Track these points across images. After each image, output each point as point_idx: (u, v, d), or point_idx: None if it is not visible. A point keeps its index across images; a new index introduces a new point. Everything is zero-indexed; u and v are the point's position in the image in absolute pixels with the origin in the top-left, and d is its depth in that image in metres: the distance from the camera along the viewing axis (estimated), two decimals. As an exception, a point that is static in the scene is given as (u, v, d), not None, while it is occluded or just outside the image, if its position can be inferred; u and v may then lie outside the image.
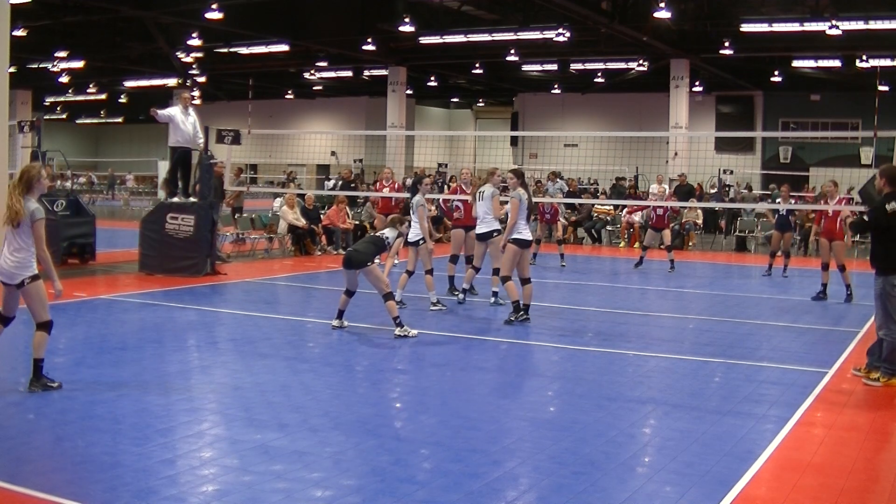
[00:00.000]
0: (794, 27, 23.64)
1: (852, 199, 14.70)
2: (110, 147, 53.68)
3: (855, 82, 29.92)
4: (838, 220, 13.03)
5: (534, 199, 11.71)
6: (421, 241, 11.28)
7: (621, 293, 14.07)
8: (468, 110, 48.93)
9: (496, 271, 11.14)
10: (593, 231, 22.84)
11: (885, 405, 7.37)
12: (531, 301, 10.54)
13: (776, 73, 30.79)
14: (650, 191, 24.89)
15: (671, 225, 21.17)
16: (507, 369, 8.52)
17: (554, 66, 31.92)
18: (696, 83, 31.94)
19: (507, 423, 6.43)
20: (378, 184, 17.46)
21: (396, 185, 17.45)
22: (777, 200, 17.81)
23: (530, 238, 10.52)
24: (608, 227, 23.19)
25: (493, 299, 11.69)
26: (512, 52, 27.68)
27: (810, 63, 28.77)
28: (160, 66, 32.61)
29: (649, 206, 17.48)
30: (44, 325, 6.73)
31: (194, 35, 26.10)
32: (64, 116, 48.31)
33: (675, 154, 27.99)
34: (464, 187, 12.99)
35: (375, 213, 17.24)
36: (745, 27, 23.86)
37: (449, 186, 23.27)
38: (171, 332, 9.65)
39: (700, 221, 22.38)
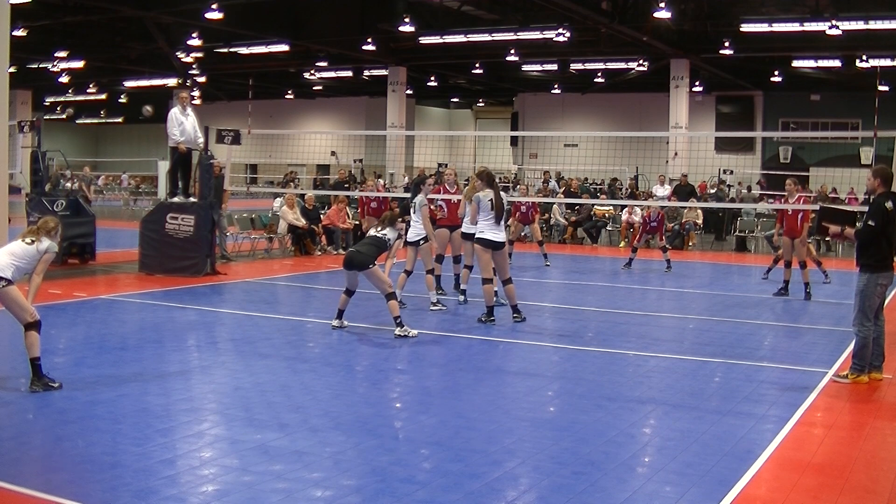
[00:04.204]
0: (794, 27, 23.66)
1: (811, 197, 14.80)
2: (110, 147, 53.68)
3: (855, 82, 29.93)
4: (798, 218, 13.15)
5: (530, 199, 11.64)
6: (422, 241, 11.29)
7: (621, 293, 14.07)
8: (468, 110, 48.95)
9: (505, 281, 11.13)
10: (592, 231, 22.84)
11: (886, 405, 7.37)
12: (517, 300, 10.53)
13: (776, 73, 30.81)
14: (655, 193, 24.89)
15: (671, 226, 21.21)
16: (507, 369, 8.52)
17: (554, 66, 31.94)
18: (696, 83, 31.95)
19: (507, 423, 6.43)
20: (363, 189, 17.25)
21: (379, 188, 17.37)
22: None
23: (498, 239, 10.36)
24: (608, 228, 23.20)
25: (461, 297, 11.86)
26: (512, 52, 27.69)
27: (810, 63, 28.78)
28: (160, 66, 32.61)
29: (648, 214, 17.40)
30: (31, 326, 6.71)
31: (194, 35, 26.11)
32: (64, 116, 48.30)
33: (675, 154, 28.01)
34: (447, 187, 12.94)
35: (364, 219, 16.94)
36: (745, 27, 23.87)
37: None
38: (171, 332, 9.64)
39: (700, 221, 22.39)
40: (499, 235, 10.37)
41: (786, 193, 13.74)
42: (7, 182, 12.63)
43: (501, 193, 10.61)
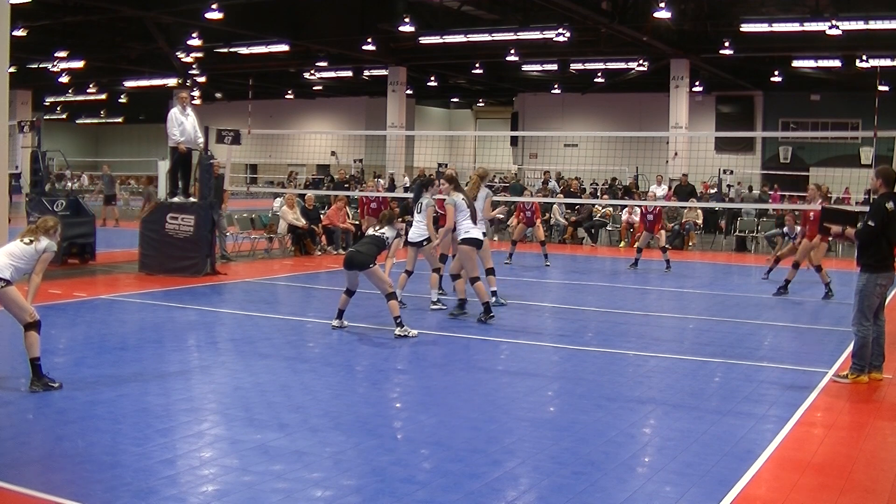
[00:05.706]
0: (794, 27, 23.65)
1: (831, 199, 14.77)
2: (110, 147, 53.66)
3: (855, 82, 29.93)
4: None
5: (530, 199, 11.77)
6: (425, 242, 11.30)
7: (621, 293, 14.07)
8: (468, 110, 48.95)
9: (489, 271, 11.33)
10: (592, 231, 22.84)
11: (886, 405, 7.37)
12: (495, 286, 11.00)
13: (776, 73, 30.80)
14: (654, 192, 24.88)
15: (671, 226, 21.21)
16: (507, 369, 8.52)
17: (554, 66, 31.93)
18: (696, 83, 31.95)
19: (507, 423, 6.43)
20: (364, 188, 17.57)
21: (380, 188, 17.86)
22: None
23: (481, 236, 10.74)
24: (608, 228, 23.19)
25: (493, 299, 11.77)
26: (512, 52, 27.68)
27: (810, 63, 28.78)
28: (160, 66, 32.60)
29: (645, 207, 17.48)
30: (31, 326, 6.71)
31: (194, 35, 26.10)
32: (64, 116, 48.30)
33: (675, 154, 28.00)
34: None
35: (364, 219, 17.37)
36: (745, 27, 23.87)
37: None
38: (171, 332, 9.64)
39: (700, 221, 22.37)
40: (479, 233, 10.73)
41: (806, 195, 13.71)
42: (7, 182, 12.63)
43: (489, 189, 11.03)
